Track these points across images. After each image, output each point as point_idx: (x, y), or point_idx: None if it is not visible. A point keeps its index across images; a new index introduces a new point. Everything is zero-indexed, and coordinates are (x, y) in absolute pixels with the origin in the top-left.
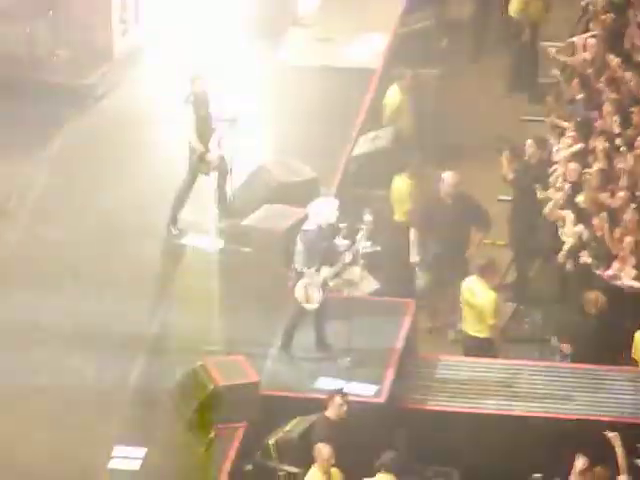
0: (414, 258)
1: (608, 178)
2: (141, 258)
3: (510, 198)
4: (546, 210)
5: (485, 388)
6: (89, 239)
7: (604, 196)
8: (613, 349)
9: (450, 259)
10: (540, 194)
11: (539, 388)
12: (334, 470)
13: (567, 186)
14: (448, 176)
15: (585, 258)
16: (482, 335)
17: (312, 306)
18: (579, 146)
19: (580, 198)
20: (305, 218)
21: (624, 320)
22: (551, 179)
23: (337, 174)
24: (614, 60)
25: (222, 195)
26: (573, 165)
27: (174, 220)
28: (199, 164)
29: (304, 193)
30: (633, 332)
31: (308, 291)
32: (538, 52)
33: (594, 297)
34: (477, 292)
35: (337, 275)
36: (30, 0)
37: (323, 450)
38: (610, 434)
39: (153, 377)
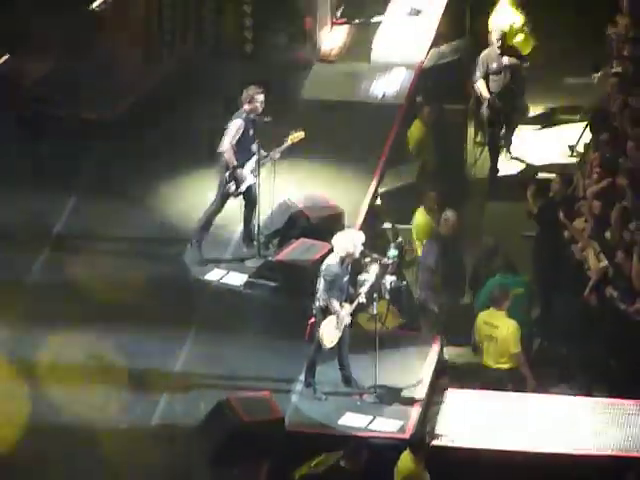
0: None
1: (630, 214)
2: (165, 292)
3: (534, 234)
4: (572, 246)
5: (512, 423)
6: (113, 271)
7: (627, 232)
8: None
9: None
10: (568, 229)
11: (567, 423)
12: None
13: (591, 222)
14: (450, 215)
15: (610, 293)
16: (506, 366)
17: (328, 344)
18: (604, 183)
19: (605, 234)
20: (331, 252)
21: None
22: (576, 215)
23: (363, 209)
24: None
25: (248, 229)
26: (597, 202)
27: (200, 240)
28: (229, 183)
29: (330, 228)
30: None
31: (326, 328)
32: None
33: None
34: (496, 324)
35: (362, 310)
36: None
37: None
38: None
39: (177, 413)
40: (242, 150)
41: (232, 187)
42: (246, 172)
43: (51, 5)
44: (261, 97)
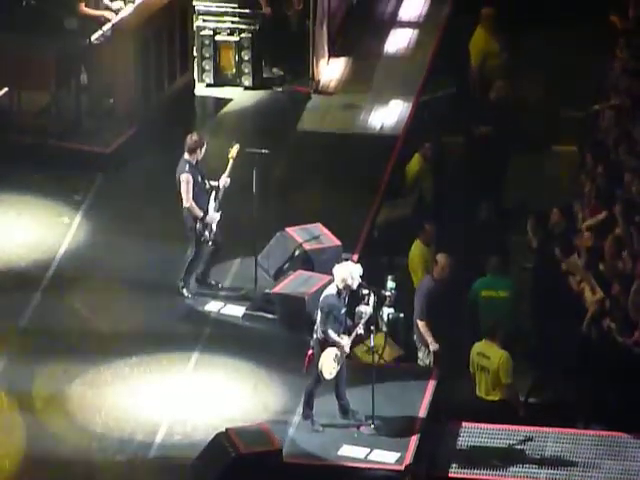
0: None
1: (624, 243)
2: (163, 323)
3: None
4: (570, 278)
5: (509, 455)
6: (113, 305)
7: (621, 263)
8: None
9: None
10: (563, 264)
11: (564, 455)
12: None
13: (585, 254)
14: (440, 258)
15: (608, 324)
16: (498, 398)
17: (328, 376)
18: (600, 216)
19: (600, 265)
20: (329, 284)
21: None
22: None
23: (361, 241)
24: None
25: (208, 268)
26: (590, 233)
27: (187, 284)
28: (203, 233)
29: (328, 260)
30: None
31: (325, 360)
32: None
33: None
34: (489, 355)
35: (359, 342)
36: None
37: None
38: None
39: (175, 446)
40: (200, 198)
41: (206, 234)
42: (212, 214)
43: (50, 37)
44: (203, 149)
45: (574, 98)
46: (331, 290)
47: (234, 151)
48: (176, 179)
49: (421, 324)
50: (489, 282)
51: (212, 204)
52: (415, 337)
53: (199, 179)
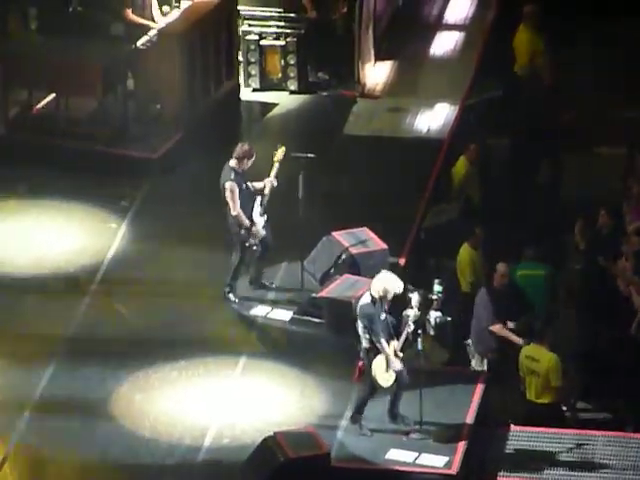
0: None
1: None
2: (210, 328)
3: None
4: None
5: (558, 459)
6: (160, 310)
7: None
8: None
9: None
10: (611, 267)
11: (613, 459)
12: None
13: (632, 258)
14: (500, 267)
15: None
16: (548, 400)
17: (385, 384)
18: None
19: None
20: None
21: None
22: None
23: (407, 244)
24: None
25: (260, 268)
26: (635, 237)
27: (233, 289)
28: (249, 239)
29: (374, 264)
30: None
31: (378, 369)
32: None
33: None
34: (538, 358)
35: (408, 346)
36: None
37: None
38: None
39: (224, 450)
40: (245, 205)
41: (252, 241)
42: (257, 220)
43: (96, 42)
44: (251, 160)
45: (624, 97)
46: (365, 299)
47: (280, 154)
48: (221, 186)
49: (498, 328)
50: (527, 265)
51: (257, 209)
52: (472, 347)
53: (243, 187)
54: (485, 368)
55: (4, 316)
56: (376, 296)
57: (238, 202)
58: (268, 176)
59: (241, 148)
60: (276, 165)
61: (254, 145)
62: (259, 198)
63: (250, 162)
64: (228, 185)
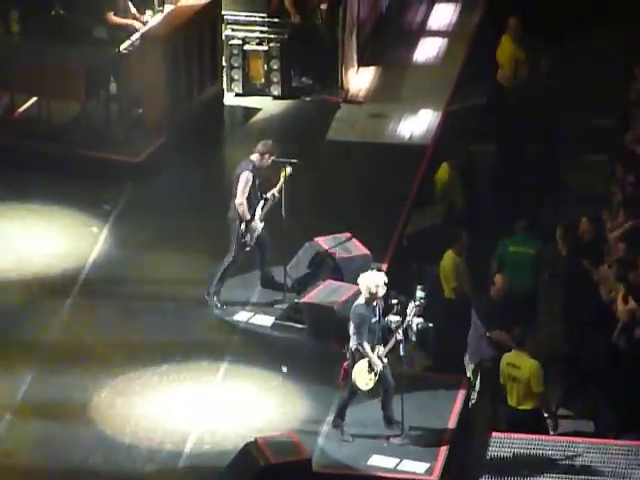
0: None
1: None
2: (192, 333)
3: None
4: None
5: (539, 465)
6: (141, 314)
7: None
8: None
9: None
10: (594, 273)
11: (594, 465)
12: None
13: (615, 265)
14: (498, 278)
15: (639, 335)
16: (530, 407)
17: (364, 387)
18: (627, 225)
19: (631, 276)
20: (358, 294)
21: None
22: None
23: (390, 250)
24: None
25: (265, 272)
26: (621, 244)
27: (218, 292)
28: (245, 236)
29: (357, 269)
30: None
31: (358, 372)
32: None
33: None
34: (519, 364)
35: (390, 352)
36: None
37: None
38: None
39: (204, 456)
40: (252, 202)
41: (248, 239)
42: (257, 222)
43: (79, 46)
44: (271, 158)
45: (605, 106)
46: (359, 301)
47: (288, 171)
48: (235, 175)
49: (496, 333)
50: (519, 239)
51: (258, 212)
52: (467, 358)
53: (256, 183)
54: (478, 379)
55: None
56: (367, 295)
57: (246, 194)
58: (274, 187)
59: (264, 145)
60: (282, 180)
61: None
62: (262, 203)
63: (271, 159)
64: (244, 175)
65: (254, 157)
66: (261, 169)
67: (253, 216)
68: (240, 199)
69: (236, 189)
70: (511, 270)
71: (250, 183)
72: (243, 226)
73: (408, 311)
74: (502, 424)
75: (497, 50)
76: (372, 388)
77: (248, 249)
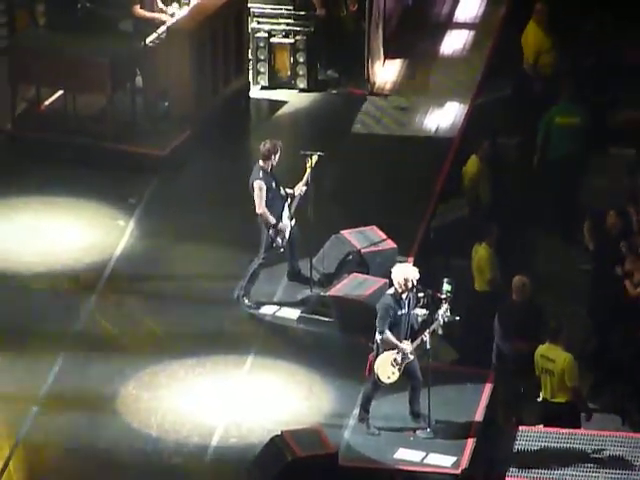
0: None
1: None
2: (218, 326)
3: (590, 267)
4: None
5: (566, 459)
6: (168, 307)
7: None
8: None
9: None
10: (618, 269)
11: (622, 459)
12: None
13: None
14: (515, 281)
15: None
16: (564, 400)
17: (386, 380)
18: None
19: None
20: (384, 287)
21: None
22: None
23: (416, 243)
24: None
25: (292, 265)
26: None
27: (248, 294)
28: (274, 240)
29: (383, 263)
30: None
31: (381, 364)
32: None
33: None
34: (553, 357)
35: (418, 346)
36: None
37: None
38: None
39: (231, 449)
40: (274, 204)
41: (278, 242)
42: (285, 221)
43: (105, 39)
44: (277, 155)
45: (635, 98)
46: (389, 291)
47: (314, 160)
48: (249, 185)
49: (516, 342)
50: (564, 108)
51: (286, 212)
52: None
53: (273, 186)
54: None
55: (12, 312)
56: (399, 289)
57: (264, 201)
58: (300, 180)
59: (264, 146)
60: (308, 171)
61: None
62: (288, 201)
63: (277, 158)
64: (256, 184)
65: (260, 162)
66: (273, 168)
67: (280, 218)
68: (260, 209)
69: (253, 197)
70: (557, 140)
71: (265, 189)
72: (272, 231)
73: (441, 312)
74: (531, 418)
75: (522, 35)
76: (396, 381)
77: (281, 250)
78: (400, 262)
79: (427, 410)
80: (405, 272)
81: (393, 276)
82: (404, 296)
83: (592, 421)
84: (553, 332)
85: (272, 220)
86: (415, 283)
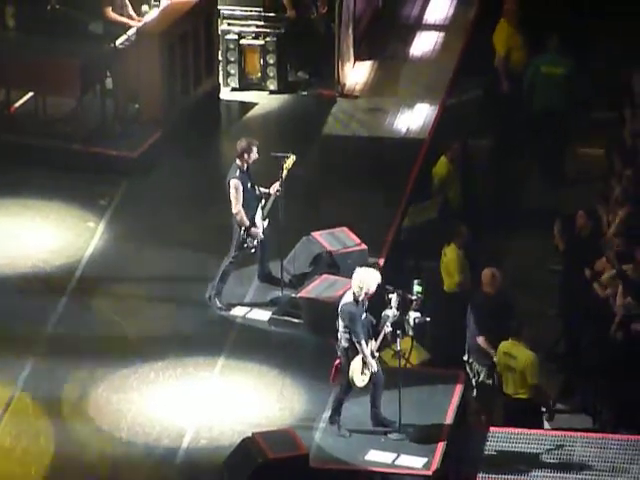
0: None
1: None
2: (188, 328)
3: (561, 268)
4: (595, 284)
5: (537, 460)
6: (138, 310)
7: None
8: None
9: None
10: (587, 270)
11: (592, 460)
12: None
13: (614, 259)
14: (484, 273)
15: (636, 329)
16: (524, 397)
17: (360, 384)
18: (623, 215)
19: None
20: None
21: None
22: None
23: (386, 245)
24: None
25: (263, 266)
26: (619, 238)
27: (219, 293)
28: (246, 241)
29: (353, 264)
30: None
31: (356, 368)
32: None
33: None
34: (515, 354)
35: (386, 346)
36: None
37: None
38: None
39: (201, 451)
40: (249, 204)
41: (250, 243)
42: (258, 223)
43: (75, 41)
44: (253, 154)
45: (603, 100)
46: (347, 298)
47: (290, 162)
48: (226, 183)
49: (481, 340)
50: (550, 58)
51: (259, 212)
52: (473, 357)
53: (248, 185)
54: (490, 380)
55: None
56: (357, 293)
57: (240, 200)
58: (276, 180)
59: (239, 145)
60: (284, 172)
61: (233, 144)
62: (263, 201)
63: (253, 156)
64: (232, 183)
65: (237, 161)
66: (250, 167)
67: (254, 220)
68: (235, 208)
69: (229, 195)
70: (543, 90)
71: (241, 189)
72: (244, 232)
73: (411, 313)
74: (500, 418)
75: (493, 34)
76: (368, 384)
77: (252, 251)
78: (370, 264)
79: (398, 411)
80: (366, 277)
81: (355, 279)
82: (360, 299)
83: (562, 421)
84: (515, 329)
85: (246, 221)
86: (375, 288)
